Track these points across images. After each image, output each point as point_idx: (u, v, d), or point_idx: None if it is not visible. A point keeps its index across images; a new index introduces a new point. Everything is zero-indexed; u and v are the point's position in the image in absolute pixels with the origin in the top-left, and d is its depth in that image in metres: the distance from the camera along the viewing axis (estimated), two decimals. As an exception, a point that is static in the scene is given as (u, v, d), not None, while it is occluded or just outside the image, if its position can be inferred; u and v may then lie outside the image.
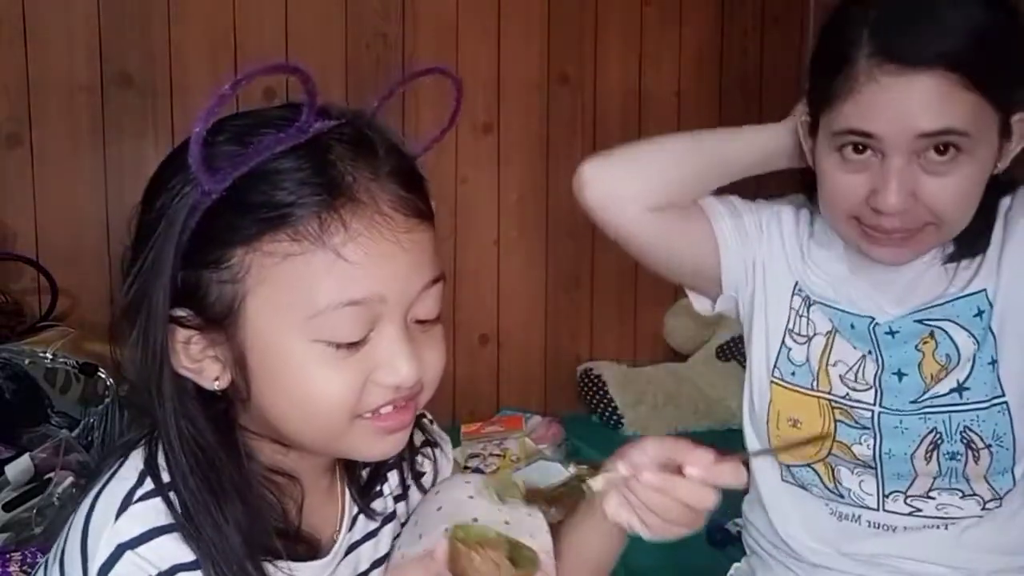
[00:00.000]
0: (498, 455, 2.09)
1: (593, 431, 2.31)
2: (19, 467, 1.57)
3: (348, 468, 0.88)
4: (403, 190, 0.73)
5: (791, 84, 2.60)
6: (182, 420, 0.73)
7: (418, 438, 0.94)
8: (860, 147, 0.97)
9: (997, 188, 1.05)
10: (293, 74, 0.69)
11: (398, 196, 0.73)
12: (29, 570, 1.39)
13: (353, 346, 0.72)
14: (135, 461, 0.76)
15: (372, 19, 2.27)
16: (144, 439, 0.77)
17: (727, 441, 1.36)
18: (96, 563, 0.71)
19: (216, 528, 0.72)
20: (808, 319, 1.12)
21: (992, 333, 1.04)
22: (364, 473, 0.89)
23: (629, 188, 1.12)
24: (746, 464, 0.85)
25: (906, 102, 0.93)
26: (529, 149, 2.47)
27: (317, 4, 2.22)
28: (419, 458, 0.94)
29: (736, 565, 1.28)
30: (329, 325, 0.71)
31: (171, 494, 0.73)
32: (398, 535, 0.90)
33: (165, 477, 0.74)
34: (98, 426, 1.76)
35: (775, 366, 1.13)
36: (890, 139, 0.94)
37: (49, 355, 1.78)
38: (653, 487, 0.77)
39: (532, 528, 0.84)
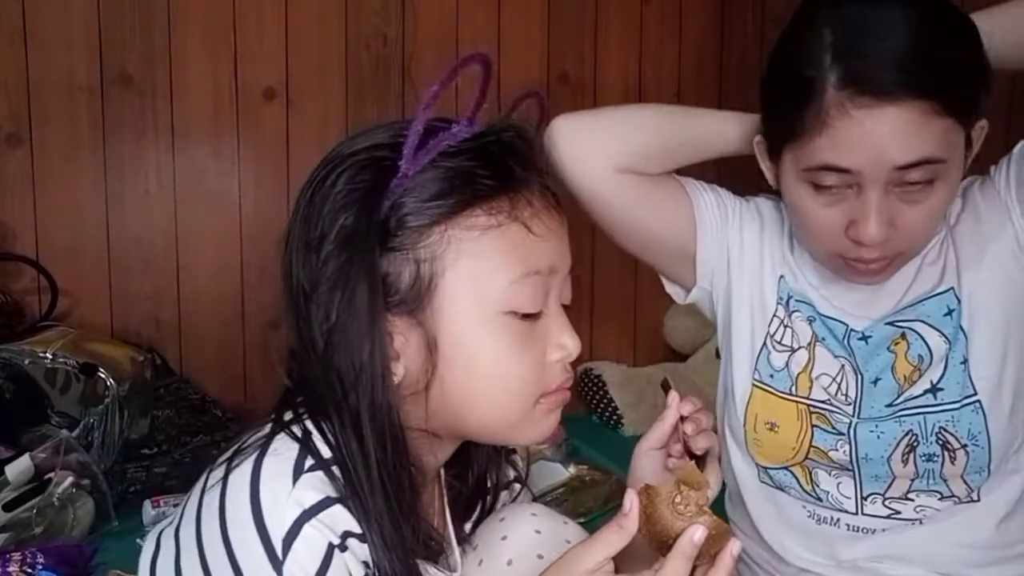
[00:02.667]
0: (498, 455, 2.09)
1: (593, 431, 2.31)
2: (19, 467, 1.57)
3: (450, 487, 0.91)
4: (547, 184, 0.83)
5: (791, 84, 2.60)
6: (391, 417, 0.76)
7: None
8: (831, 184, 0.95)
9: None
10: (480, 63, 0.77)
11: (548, 187, 0.83)
12: (29, 570, 1.39)
13: (531, 319, 0.79)
14: (285, 442, 0.76)
15: (372, 19, 2.27)
16: (283, 424, 0.78)
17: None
18: (279, 533, 0.71)
19: (392, 517, 0.74)
20: (792, 329, 1.11)
21: (963, 331, 1.03)
22: (463, 493, 0.93)
23: (597, 144, 1.12)
24: (665, 388, 0.96)
25: (882, 135, 0.89)
26: (529, 149, 2.47)
27: (317, 4, 2.22)
28: (508, 469, 0.99)
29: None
30: (518, 295, 0.77)
31: (334, 468, 0.75)
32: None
33: (326, 453, 0.75)
34: (98, 426, 1.76)
35: (755, 367, 1.12)
36: (867, 173, 0.92)
37: (49, 355, 1.78)
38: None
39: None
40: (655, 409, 2.36)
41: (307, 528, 0.71)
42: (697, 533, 0.69)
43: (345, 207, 0.77)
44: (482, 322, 0.77)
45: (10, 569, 1.37)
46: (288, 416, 0.79)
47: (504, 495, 0.98)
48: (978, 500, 1.05)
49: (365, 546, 0.74)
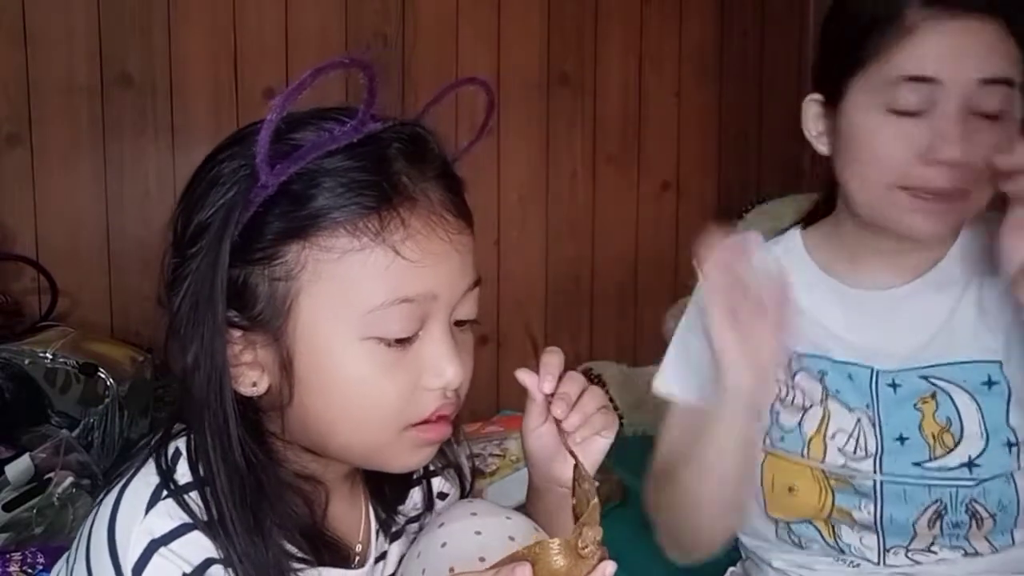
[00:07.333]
0: (498, 455, 2.09)
1: (593, 431, 2.30)
2: (19, 467, 1.57)
3: (370, 478, 0.86)
4: (451, 192, 0.75)
5: (791, 84, 2.60)
6: (230, 426, 0.72)
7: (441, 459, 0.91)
8: (908, 110, 0.93)
9: None
10: (360, 68, 0.72)
11: (448, 198, 0.75)
12: (29, 570, 1.39)
13: (403, 344, 0.73)
14: (153, 465, 0.74)
15: (372, 19, 2.27)
16: (163, 439, 0.75)
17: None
18: (129, 562, 0.69)
19: (249, 533, 0.71)
20: (797, 389, 1.06)
21: (1010, 426, 1.00)
22: (387, 488, 0.88)
23: (690, 547, 1.08)
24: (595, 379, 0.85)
25: (965, 46, 0.91)
26: (529, 149, 2.47)
27: (317, 4, 2.22)
28: (442, 480, 0.93)
29: (731, 569, 1.27)
30: (382, 322, 0.71)
31: (193, 493, 0.72)
32: (403, 556, 0.88)
33: (189, 477, 0.73)
34: (98, 426, 1.76)
35: (767, 434, 1.08)
36: (950, 84, 0.91)
37: (49, 355, 1.78)
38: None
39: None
40: (656, 409, 2.36)
41: (156, 558, 0.68)
42: (608, 569, 0.64)
43: (211, 203, 0.72)
44: (341, 347, 0.71)
45: (10, 569, 1.37)
46: (159, 437, 0.76)
47: (437, 482, 0.93)
48: (999, 551, 1.04)
49: (232, 570, 0.71)
